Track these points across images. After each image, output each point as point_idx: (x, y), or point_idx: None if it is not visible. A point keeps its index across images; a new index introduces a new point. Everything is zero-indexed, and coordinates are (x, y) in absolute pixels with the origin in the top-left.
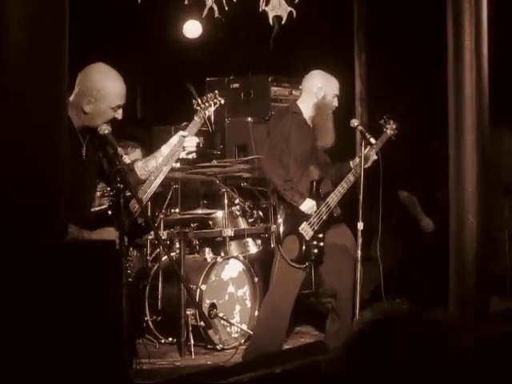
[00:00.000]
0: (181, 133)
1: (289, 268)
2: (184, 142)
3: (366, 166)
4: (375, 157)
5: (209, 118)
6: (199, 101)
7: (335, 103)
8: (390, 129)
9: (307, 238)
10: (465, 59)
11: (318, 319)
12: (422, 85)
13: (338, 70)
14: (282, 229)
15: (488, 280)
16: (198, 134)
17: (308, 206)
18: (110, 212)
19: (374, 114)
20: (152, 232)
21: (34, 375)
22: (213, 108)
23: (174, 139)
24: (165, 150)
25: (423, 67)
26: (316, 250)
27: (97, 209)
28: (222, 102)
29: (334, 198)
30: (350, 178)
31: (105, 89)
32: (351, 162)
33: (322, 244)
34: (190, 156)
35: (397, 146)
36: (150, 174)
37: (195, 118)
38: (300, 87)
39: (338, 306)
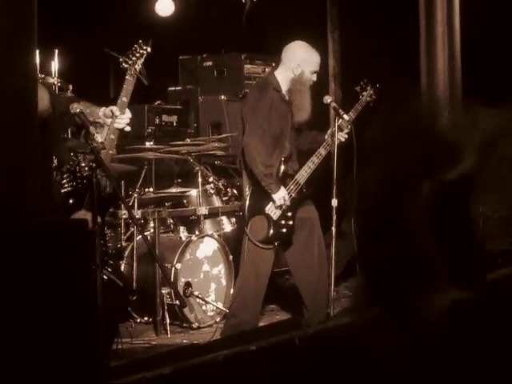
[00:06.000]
0: (113, 108)
1: (257, 248)
2: (115, 124)
3: (340, 137)
4: (347, 130)
5: (140, 72)
6: (124, 58)
7: (314, 79)
8: (367, 96)
9: (275, 218)
10: (437, 33)
11: (292, 296)
12: (395, 61)
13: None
14: (247, 209)
15: None
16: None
17: (280, 195)
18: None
19: (347, 91)
20: (124, 210)
21: (7, 358)
22: (142, 60)
23: (108, 111)
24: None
25: (397, 43)
26: (284, 230)
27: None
28: (149, 49)
29: (303, 175)
30: (322, 152)
31: None
32: (326, 136)
33: (290, 222)
34: (122, 127)
35: (370, 122)
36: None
37: (127, 76)
38: (280, 57)
39: (303, 284)
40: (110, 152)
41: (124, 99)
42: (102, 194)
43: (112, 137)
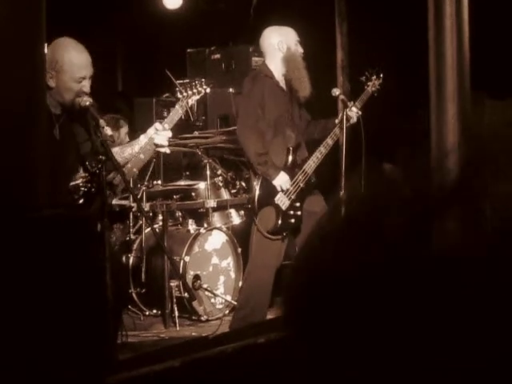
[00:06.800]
0: (156, 125)
1: (265, 239)
2: (155, 138)
3: (347, 124)
4: (355, 119)
5: (191, 108)
6: (181, 88)
7: (300, 49)
8: (372, 86)
9: (283, 208)
10: (445, 26)
11: None
12: (404, 53)
13: (319, 39)
14: (256, 200)
15: None
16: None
17: (281, 180)
18: (84, 196)
19: (355, 83)
20: (134, 206)
21: (19, 352)
22: (196, 97)
23: (151, 130)
24: (142, 139)
25: (405, 36)
26: (293, 220)
27: (72, 183)
28: (208, 90)
29: (311, 165)
30: (329, 142)
31: (64, 60)
32: (336, 120)
33: (299, 213)
34: (162, 150)
35: (379, 114)
36: (126, 160)
37: (176, 106)
38: (261, 50)
39: None
40: (134, 170)
41: (166, 126)
42: (112, 208)
43: (142, 157)
